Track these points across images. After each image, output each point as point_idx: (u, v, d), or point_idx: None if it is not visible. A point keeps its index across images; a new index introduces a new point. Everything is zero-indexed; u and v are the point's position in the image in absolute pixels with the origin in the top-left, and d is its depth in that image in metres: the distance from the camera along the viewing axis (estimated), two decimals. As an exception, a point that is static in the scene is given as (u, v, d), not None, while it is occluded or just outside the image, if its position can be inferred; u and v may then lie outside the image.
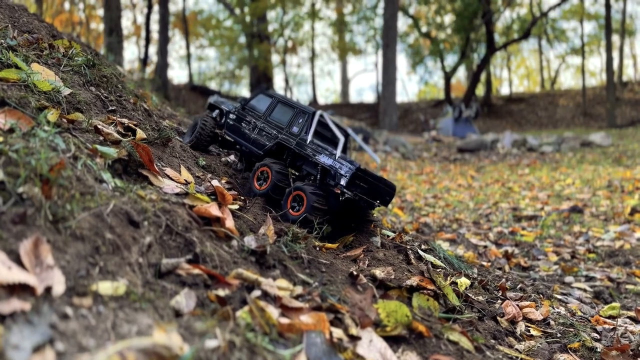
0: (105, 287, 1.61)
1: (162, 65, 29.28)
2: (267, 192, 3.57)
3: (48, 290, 1.47)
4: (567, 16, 42.23)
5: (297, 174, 3.74)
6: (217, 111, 4.38)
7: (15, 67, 2.75)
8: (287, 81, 47.67)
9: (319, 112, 3.84)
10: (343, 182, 3.42)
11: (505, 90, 53.62)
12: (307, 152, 3.65)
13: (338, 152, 3.57)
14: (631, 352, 3.04)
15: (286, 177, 3.66)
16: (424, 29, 40.10)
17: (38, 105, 2.51)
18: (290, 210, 3.44)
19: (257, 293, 2.06)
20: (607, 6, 32.70)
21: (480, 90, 41.68)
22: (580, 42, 43.25)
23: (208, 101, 4.55)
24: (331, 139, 4.05)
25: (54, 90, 2.79)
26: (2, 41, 3.08)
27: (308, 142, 3.69)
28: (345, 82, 56.88)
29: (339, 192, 3.42)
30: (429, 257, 3.58)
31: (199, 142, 4.16)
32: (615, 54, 35.91)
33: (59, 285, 1.51)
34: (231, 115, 4.16)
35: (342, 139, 3.70)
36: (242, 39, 41.92)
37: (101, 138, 2.65)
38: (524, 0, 41.15)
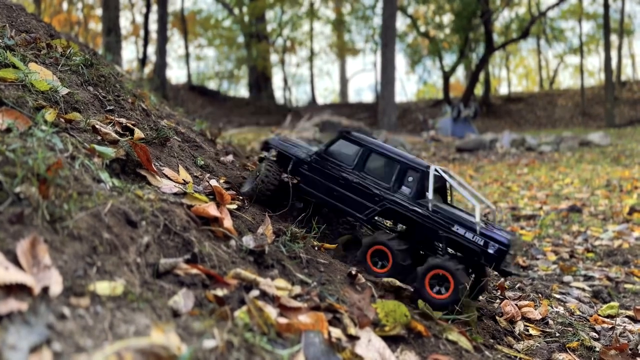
0: (102, 287, 1.61)
1: (161, 65, 29.25)
2: (389, 275, 3.00)
3: (45, 290, 1.47)
4: (566, 16, 42.29)
5: (416, 245, 3.21)
6: (271, 151, 3.60)
7: (12, 66, 2.75)
8: (285, 81, 47.68)
9: (433, 168, 3.16)
10: (489, 262, 2.93)
11: (504, 90, 53.64)
12: (437, 223, 3.01)
13: (477, 218, 2.96)
14: (630, 352, 3.04)
15: (409, 254, 3.10)
16: (422, 29, 40.11)
17: (35, 105, 2.50)
18: (432, 293, 2.90)
19: (255, 293, 2.05)
20: (606, 6, 32.73)
21: (479, 90, 41.70)
22: (578, 42, 43.33)
23: (264, 140, 3.79)
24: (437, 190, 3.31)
25: (52, 90, 2.79)
26: (0, 41, 3.07)
27: (431, 208, 3.04)
28: (344, 81, 56.91)
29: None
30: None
31: (261, 192, 3.35)
32: (614, 54, 35.95)
33: (56, 286, 1.51)
34: (306, 166, 3.39)
35: (477, 206, 2.99)
36: (241, 39, 41.95)
37: (99, 138, 2.64)
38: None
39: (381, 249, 3.06)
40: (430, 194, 3.02)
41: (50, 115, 2.41)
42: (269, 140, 3.70)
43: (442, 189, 3.40)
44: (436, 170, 3.17)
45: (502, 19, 40.57)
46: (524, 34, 34.66)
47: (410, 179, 3.14)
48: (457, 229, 2.97)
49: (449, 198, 3.44)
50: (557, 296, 4.26)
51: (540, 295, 4.11)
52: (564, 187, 10.98)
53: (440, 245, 3.08)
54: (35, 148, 1.90)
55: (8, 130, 2.10)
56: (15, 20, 4.08)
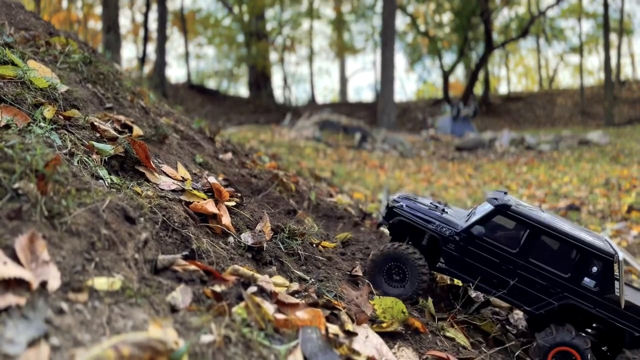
0: (100, 282, 1.61)
1: (160, 63, 29.25)
2: None
3: (43, 285, 1.47)
4: (566, 15, 42.26)
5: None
6: (385, 218, 3.16)
7: (11, 64, 2.75)
8: (285, 80, 47.67)
9: (621, 256, 2.69)
10: None
11: (503, 89, 53.66)
12: (631, 323, 2.63)
13: None
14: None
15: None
16: (422, 28, 40.10)
17: (34, 102, 2.51)
18: None
19: (253, 289, 2.06)
20: (605, 5, 32.72)
21: (478, 89, 41.71)
22: (578, 41, 43.33)
23: (390, 203, 3.20)
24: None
25: (51, 87, 2.79)
26: (-1, 38, 3.08)
27: (623, 306, 2.61)
28: (343, 80, 56.87)
29: None
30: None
31: (417, 293, 2.89)
32: (613, 53, 35.95)
33: (54, 281, 1.52)
34: (452, 245, 2.87)
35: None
36: (241, 38, 41.91)
37: (98, 135, 2.65)
38: (522, -1, 41.19)
39: (568, 351, 2.61)
40: (621, 289, 2.60)
41: (49, 112, 2.42)
42: (396, 209, 3.10)
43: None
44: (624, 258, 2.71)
45: (501, 18, 40.61)
46: (524, 33, 34.67)
47: (594, 269, 2.65)
48: None
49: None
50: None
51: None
52: (563, 185, 11.00)
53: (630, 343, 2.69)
54: (34, 144, 1.90)
55: (7, 126, 2.11)
56: (14, 17, 4.08)
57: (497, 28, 38.59)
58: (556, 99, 39.83)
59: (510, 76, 56.57)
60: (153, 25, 36.86)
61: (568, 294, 2.66)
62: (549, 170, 14.02)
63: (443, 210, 3.03)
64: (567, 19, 43.84)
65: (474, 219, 2.88)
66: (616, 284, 2.62)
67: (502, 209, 2.78)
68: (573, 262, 2.67)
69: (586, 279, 2.65)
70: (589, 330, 2.90)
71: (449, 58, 42.83)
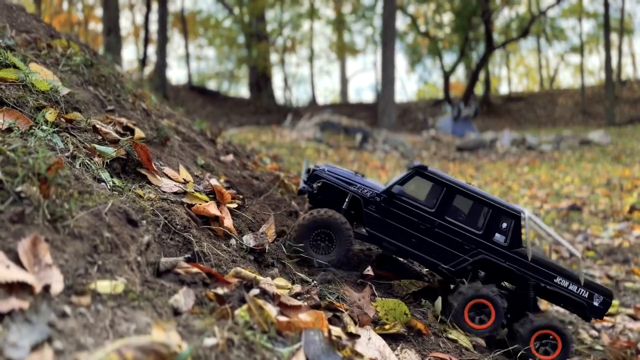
0: (103, 285, 1.61)
1: (161, 65, 29.27)
2: (488, 333, 2.79)
3: (46, 289, 1.47)
4: (566, 14, 42.24)
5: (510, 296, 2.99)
6: (306, 184, 3.17)
7: (13, 66, 2.75)
8: (286, 81, 47.67)
9: (527, 213, 2.92)
10: (594, 315, 2.84)
11: (504, 89, 53.68)
12: (540, 276, 2.84)
13: (582, 269, 2.88)
14: (634, 351, 3.05)
15: (510, 310, 2.91)
16: (422, 28, 40.09)
17: (36, 105, 2.51)
18: (539, 355, 2.77)
19: (255, 291, 2.06)
20: (606, 4, 32.70)
21: (479, 89, 41.69)
22: (579, 41, 43.30)
23: (311, 170, 3.21)
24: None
25: (52, 90, 2.79)
26: (0, 41, 3.08)
27: (530, 260, 2.85)
28: (344, 81, 56.87)
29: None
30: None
31: (348, 258, 2.95)
32: (614, 53, 35.92)
33: (57, 284, 1.51)
34: (373, 207, 2.94)
35: (578, 254, 2.90)
36: (241, 39, 41.92)
37: (100, 137, 2.65)
38: (523, -1, 41.17)
39: (481, 302, 2.76)
40: (528, 243, 2.83)
41: (50, 115, 2.42)
42: (318, 172, 3.14)
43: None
44: (531, 220, 2.94)
45: (502, 18, 40.58)
46: (524, 33, 34.64)
47: (503, 225, 2.86)
48: (561, 281, 2.83)
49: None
50: (557, 295, 4.26)
51: (540, 293, 4.11)
52: (564, 186, 10.98)
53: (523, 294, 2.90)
54: (36, 148, 1.90)
55: (9, 129, 2.11)
56: (15, 20, 4.08)
57: (497, 28, 38.57)
58: (557, 99, 39.80)
59: (511, 76, 56.55)
60: (153, 26, 36.90)
61: (481, 250, 2.84)
62: (551, 171, 14.01)
63: (363, 176, 3.15)
64: (568, 18, 43.83)
65: (393, 181, 3.01)
66: (523, 238, 2.83)
67: (420, 170, 2.94)
68: (485, 220, 2.86)
69: (497, 235, 2.85)
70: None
71: (449, 58, 42.86)
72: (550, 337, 2.74)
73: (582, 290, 2.81)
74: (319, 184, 3.11)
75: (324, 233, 2.85)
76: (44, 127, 2.22)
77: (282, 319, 1.86)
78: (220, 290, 1.98)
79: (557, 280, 2.83)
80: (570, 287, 2.81)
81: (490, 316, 2.75)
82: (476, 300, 2.75)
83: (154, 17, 34.23)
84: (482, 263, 2.89)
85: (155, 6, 32.83)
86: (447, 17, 40.70)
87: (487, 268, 2.94)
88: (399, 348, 2.26)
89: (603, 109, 33.89)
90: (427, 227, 2.87)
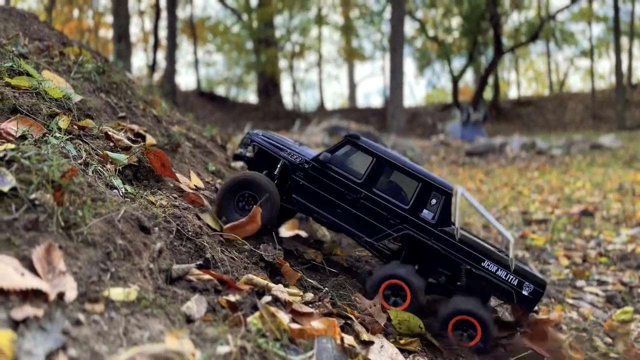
0: (117, 293, 1.61)
1: (170, 71, 29.47)
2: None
3: (61, 296, 1.48)
4: (576, 18, 42.03)
5: (434, 278, 2.87)
6: (244, 148, 3.18)
7: (26, 74, 2.78)
8: (294, 86, 47.80)
9: (460, 190, 2.85)
10: (523, 303, 2.69)
11: (513, 94, 53.35)
12: (467, 258, 2.69)
13: (511, 254, 2.70)
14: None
15: (426, 291, 2.76)
16: (431, 33, 40.05)
17: (49, 112, 2.53)
18: (453, 338, 2.62)
19: (267, 298, 2.05)
20: (616, 8, 32.50)
21: (488, 94, 41.54)
22: (589, 45, 43.04)
23: (244, 140, 3.20)
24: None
25: (65, 97, 2.81)
26: (14, 49, 3.11)
27: (458, 239, 2.71)
28: (352, 86, 56.89)
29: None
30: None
31: (268, 224, 2.81)
32: (624, 56, 35.67)
33: (71, 292, 1.52)
34: (301, 173, 2.84)
35: (511, 239, 2.75)
36: (250, 45, 42.09)
37: (112, 144, 2.66)
38: (532, 3, 41.02)
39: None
40: (457, 222, 2.71)
41: (63, 122, 2.44)
42: (252, 136, 3.09)
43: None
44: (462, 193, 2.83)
45: (511, 23, 40.43)
46: (533, 37, 34.48)
47: (433, 201, 2.72)
48: (488, 265, 2.66)
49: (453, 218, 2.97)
50: (570, 301, 4.22)
51: (553, 300, 4.08)
52: (576, 190, 10.89)
53: (463, 280, 2.76)
54: (50, 155, 1.91)
55: (23, 137, 2.12)
56: (28, 28, 4.13)
57: (506, 32, 38.44)
58: (567, 103, 39.56)
59: (520, 80, 56.20)
60: (163, 33, 37.17)
61: (406, 225, 2.70)
62: (561, 175, 13.90)
63: (301, 144, 3.06)
64: (578, 22, 43.57)
65: (322, 151, 2.91)
66: (453, 217, 2.69)
67: (351, 139, 2.83)
68: (413, 194, 2.72)
69: (425, 211, 2.70)
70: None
71: (458, 63, 42.71)
72: (471, 323, 2.58)
73: (511, 277, 2.63)
74: (253, 149, 3.04)
75: (247, 195, 2.75)
76: (57, 134, 2.24)
77: (295, 326, 1.86)
78: (232, 297, 1.97)
79: (485, 264, 2.64)
80: (499, 273, 2.63)
81: (405, 299, 2.62)
82: (391, 281, 2.64)
83: (163, 23, 34.51)
84: (406, 239, 2.78)
85: (164, 13, 33.09)
86: (455, 22, 40.63)
87: (412, 245, 2.81)
88: (411, 356, 2.24)
89: (614, 113, 33.62)
90: (352, 197, 2.74)
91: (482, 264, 2.65)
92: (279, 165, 2.94)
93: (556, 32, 40.69)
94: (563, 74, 51.98)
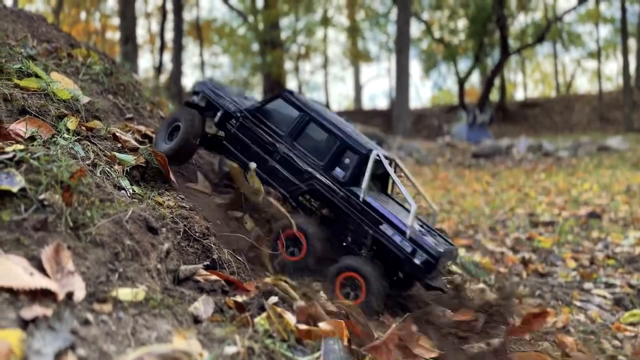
0: (125, 293, 1.62)
1: (177, 73, 29.57)
2: (299, 265, 2.68)
3: (69, 296, 1.48)
4: (583, 20, 41.83)
5: (339, 236, 2.87)
6: (197, 96, 3.24)
7: (35, 76, 2.80)
8: (300, 88, 47.86)
9: (375, 153, 2.79)
10: (414, 272, 2.65)
11: (519, 95, 53.14)
12: (366, 219, 2.68)
13: (410, 221, 2.63)
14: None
15: (327, 246, 2.76)
16: (437, 34, 39.99)
17: (58, 114, 2.54)
18: (343, 297, 2.57)
19: (274, 299, 2.05)
20: (623, 10, 32.34)
21: (494, 95, 41.40)
22: (596, 46, 42.83)
23: (193, 87, 3.35)
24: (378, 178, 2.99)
25: (73, 99, 2.83)
26: (22, 51, 3.14)
27: (362, 199, 2.69)
28: (358, 88, 56.85)
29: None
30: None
31: (183, 150, 2.95)
32: (632, 58, 35.44)
33: (79, 291, 1.53)
34: (234, 122, 2.97)
35: (413, 206, 2.68)
36: (255, 46, 42.18)
37: (119, 145, 2.67)
38: (539, 4, 40.88)
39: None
40: (365, 183, 2.68)
41: (72, 123, 2.45)
42: (199, 85, 3.22)
43: (384, 176, 3.06)
44: (378, 155, 2.78)
45: (517, 24, 40.28)
46: (540, 39, 34.35)
47: (346, 161, 2.76)
48: (385, 229, 2.63)
49: (389, 189, 3.04)
50: (578, 304, 4.19)
51: (560, 302, 4.06)
52: (583, 192, 10.83)
53: (365, 241, 2.73)
54: (59, 156, 1.92)
55: (32, 138, 2.14)
56: (36, 30, 4.16)
57: (513, 34, 38.30)
58: (574, 105, 39.37)
59: (526, 82, 56.00)
60: (169, 34, 37.32)
61: (316, 180, 2.75)
62: (568, 177, 13.83)
63: (246, 98, 3.15)
64: (585, 24, 43.38)
65: (256, 102, 3.02)
66: (363, 180, 2.68)
67: (284, 93, 2.96)
68: (330, 152, 2.77)
69: (337, 169, 2.75)
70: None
71: (464, 64, 42.53)
72: (356, 280, 2.57)
73: (406, 243, 2.58)
74: (200, 97, 3.17)
75: (176, 126, 2.96)
76: (66, 135, 2.25)
77: (302, 327, 1.86)
78: (239, 298, 1.98)
79: (383, 227, 2.63)
80: (394, 237, 2.60)
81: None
82: (291, 231, 2.68)
83: (169, 25, 34.66)
84: (315, 194, 2.81)
85: (171, 15, 33.24)
86: (461, 23, 40.54)
87: (320, 200, 2.85)
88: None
89: (621, 115, 33.42)
90: (274, 149, 2.84)
91: (379, 226, 2.64)
92: (218, 114, 3.04)
93: (563, 34, 40.52)
94: (570, 75, 51.78)
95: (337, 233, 2.84)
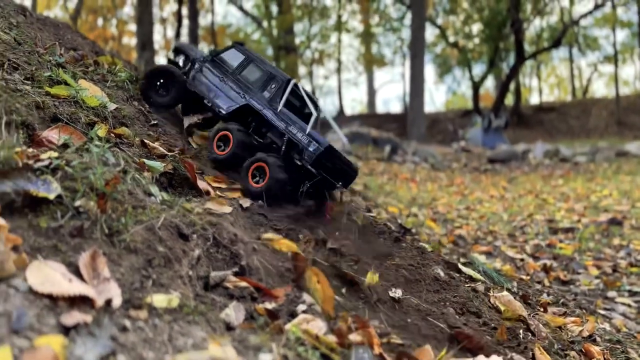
0: (159, 299, 1.63)
1: (192, 78, 29.76)
2: (226, 158, 3.51)
3: (108, 302, 1.50)
4: (599, 23, 41.42)
5: (260, 141, 3.72)
6: (182, 57, 4.18)
7: (64, 83, 2.84)
8: (313, 92, 47.91)
9: (293, 81, 3.76)
10: (309, 159, 3.46)
11: (535, 100, 52.66)
12: (277, 122, 3.60)
13: (309, 127, 3.55)
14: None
15: (248, 146, 3.58)
16: (451, 39, 39.85)
17: (87, 121, 2.58)
18: (252, 183, 3.38)
19: (303, 307, 2.06)
20: (641, 13, 31.95)
21: (509, 100, 41.09)
22: (612, 50, 42.34)
23: (173, 45, 4.37)
24: (299, 110, 3.95)
25: (101, 106, 2.87)
26: (51, 58, 3.19)
27: (279, 110, 3.62)
28: (371, 92, 56.81)
29: (301, 165, 3.48)
30: (469, 271, 3.52)
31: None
32: (650, 62, 34.97)
33: (117, 298, 1.54)
34: (198, 65, 3.89)
35: (314, 114, 3.73)
36: (270, 51, 42.38)
37: (147, 152, 2.70)
38: (554, 8, 40.55)
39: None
40: (282, 101, 3.63)
41: (101, 130, 2.49)
42: (176, 44, 4.36)
43: (302, 109, 3.98)
44: (295, 84, 3.76)
45: (533, 28, 39.99)
46: (556, 43, 34.06)
47: (272, 86, 3.71)
48: (292, 129, 3.55)
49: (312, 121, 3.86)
50: (602, 312, 4.14)
51: (584, 311, 4.00)
52: (602, 199, 10.69)
53: (280, 139, 3.62)
54: (93, 163, 1.95)
55: (65, 145, 2.17)
56: (62, 38, 4.22)
57: (528, 38, 38.04)
58: (591, 109, 38.94)
59: (542, 86, 55.54)
60: (184, 40, 37.62)
61: (249, 101, 3.69)
62: (587, 183, 13.67)
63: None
64: (601, 28, 42.93)
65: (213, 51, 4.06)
66: (281, 99, 3.65)
67: (236, 46, 3.95)
68: (262, 80, 3.75)
69: (265, 92, 3.71)
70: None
71: (479, 69, 42.27)
72: (261, 169, 3.38)
73: (305, 137, 3.48)
74: (182, 58, 4.13)
75: (164, 82, 3.84)
76: (97, 142, 2.28)
77: (332, 336, 1.85)
78: (269, 305, 1.98)
79: (290, 127, 3.55)
80: (297, 134, 3.52)
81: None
82: (222, 133, 3.55)
83: (184, 31, 34.98)
84: (247, 109, 3.70)
85: (186, 21, 33.55)
86: (476, 28, 40.35)
87: (250, 114, 3.73)
88: None
89: (639, 119, 32.98)
90: (224, 81, 3.78)
91: (289, 127, 3.56)
92: (189, 63, 4.02)
93: (579, 38, 40.14)
94: (586, 79, 51.24)
95: (257, 134, 3.74)
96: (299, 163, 3.47)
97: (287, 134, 3.54)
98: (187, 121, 3.92)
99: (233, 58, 3.86)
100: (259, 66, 3.81)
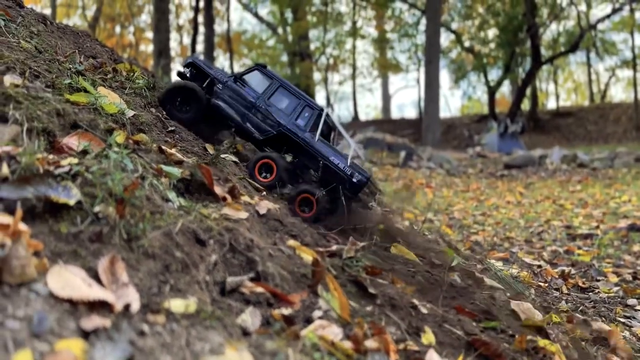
0: (177, 304, 1.65)
1: (208, 84, 30.04)
2: (270, 185, 3.63)
3: (126, 307, 1.52)
4: (617, 28, 40.92)
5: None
6: (188, 69, 4.14)
7: (84, 90, 2.89)
8: (328, 98, 48.02)
9: (326, 110, 3.89)
10: (351, 187, 3.69)
11: (551, 104, 52.14)
12: (317, 150, 3.74)
13: (350, 155, 3.79)
14: None
15: (291, 176, 3.74)
16: (467, 44, 39.68)
17: (106, 127, 2.62)
18: (300, 212, 3.51)
19: (319, 313, 2.06)
20: (660, 17, 31.52)
21: (525, 105, 40.73)
22: (631, 55, 41.78)
23: (188, 59, 4.25)
24: (324, 135, 4.08)
25: (120, 112, 2.91)
26: (71, 66, 3.24)
27: (317, 139, 3.77)
28: (386, 98, 56.79)
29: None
30: (486, 278, 3.49)
31: (196, 119, 3.84)
32: (670, 66, 34.44)
33: (135, 303, 1.56)
34: (220, 86, 3.92)
35: (352, 144, 3.95)
36: (285, 58, 42.62)
37: (164, 158, 2.73)
38: (571, 13, 40.18)
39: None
40: (319, 130, 3.77)
41: (120, 137, 2.52)
42: (192, 58, 4.23)
43: (327, 135, 4.15)
44: (328, 114, 3.90)
45: (549, 33, 39.65)
46: (573, 48, 33.76)
47: (306, 114, 3.83)
48: (333, 159, 3.72)
49: (332, 142, 4.17)
50: (622, 320, 4.07)
51: (604, 319, 3.94)
52: (622, 205, 10.53)
53: (315, 172, 3.81)
54: (112, 169, 1.98)
55: (84, 152, 2.20)
56: (81, 45, 4.30)
57: (545, 42, 37.72)
58: (609, 114, 38.43)
59: (558, 91, 54.94)
60: (200, 47, 38.02)
61: (283, 128, 3.78)
62: (605, 189, 13.48)
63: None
64: (619, 32, 42.40)
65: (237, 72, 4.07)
66: (316, 128, 3.80)
67: (260, 68, 4.00)
68: (295, 107, 3.85)
69: (300, 120, 3.82)
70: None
71: (494, 74, 41.99)
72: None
73: (348, 168, 3.70)
74: (191, 71, 4.10)
75: (184, 98, 3.84)
76: (116, 149, 2.31)
77: (348, 342, 1.85)
78: (285, 311, 1.99)
79: (332, 158, 3.73)
80: (340, 165, 3.70)
81: (272, 172, 3.65)
82: (264, 161, 3.68)
83: (200, 38, 35.35)
84: (282, 137, 3.80)
85: (202, 28, 33.91)
86: (492, 33, 40.12)
87: (286, 142, 3.84)
88: None
89: (659, 124, 32.45)
90: (253, 105, 3.83)
91: (330, 157, 3.73)
92: (207, 80, 3.98)
93: (597, 42, 39.68)
94: (604, 84, 50.60)
95: (296, 167, 3.90)
96: (336, 189, 3.69)
97: (330, 164, 3.71)
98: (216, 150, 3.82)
99: (257, 81, 3.95)
100: (289, 92, 3.90)
